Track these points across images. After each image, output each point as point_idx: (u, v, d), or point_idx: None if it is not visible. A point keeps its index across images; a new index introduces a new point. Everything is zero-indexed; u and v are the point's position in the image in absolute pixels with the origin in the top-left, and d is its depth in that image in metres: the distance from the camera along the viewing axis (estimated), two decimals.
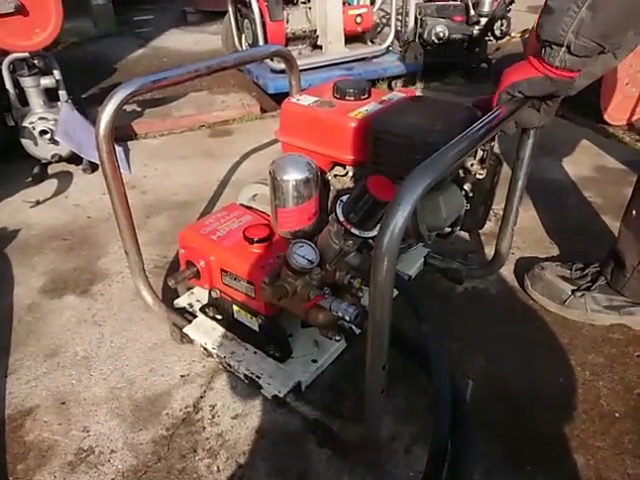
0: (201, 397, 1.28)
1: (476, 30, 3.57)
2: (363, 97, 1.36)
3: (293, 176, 1.07)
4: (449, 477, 1.00)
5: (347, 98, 1.36)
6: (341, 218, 1.02)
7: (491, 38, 3.65)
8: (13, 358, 1.40)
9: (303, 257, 1.07)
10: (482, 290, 1.61)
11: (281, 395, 1.22)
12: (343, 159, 1.33)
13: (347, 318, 1.06)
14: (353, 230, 1.02)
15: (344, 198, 1.05)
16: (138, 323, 1.51)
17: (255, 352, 1.33)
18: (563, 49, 0.98)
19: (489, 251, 1.76)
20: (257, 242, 1.26)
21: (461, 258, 1.69)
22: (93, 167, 2.34)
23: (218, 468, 1.13)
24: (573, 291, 1.48)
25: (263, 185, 1.48)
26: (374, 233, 1.04)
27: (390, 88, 3.44)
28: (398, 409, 1.24)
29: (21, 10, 1.92)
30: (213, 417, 1.23)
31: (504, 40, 3.74)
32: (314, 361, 1.31)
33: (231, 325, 1.39)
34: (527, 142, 1.29)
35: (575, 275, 1.53)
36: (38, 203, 2.11)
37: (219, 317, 1.42)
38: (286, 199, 1.09)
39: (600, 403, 1.26)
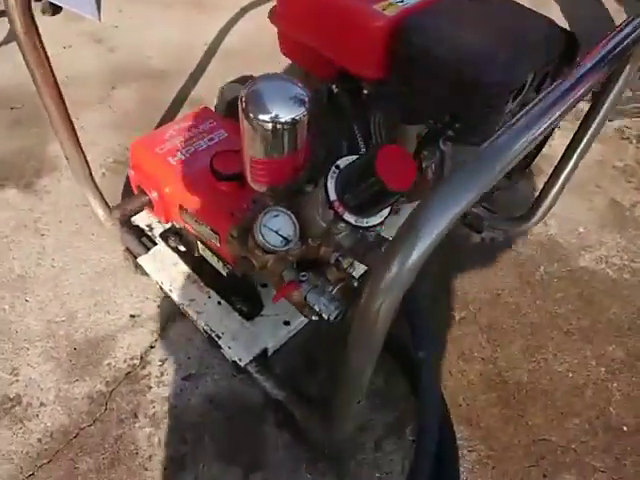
0: (151, 347, 1.10)
1: None
2: None
3: (275, 117, 0.73)
4: None
5: None
6: (332, 197, 0.72)
7: None
8: None
9: (276, 232, 0.79)
10: (501, 246, 1.35)
11: (242, 364, 1.04)
12: (355, 71, 0.97)
13: (325, 317, 0.82)
14: (346, 216, 0.72)
15: (342, 164, 0.74)
16: (87, 238, 1.27)
17: (219, 302, 1.12)
18: None
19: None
20: (227, 179, 0.97)
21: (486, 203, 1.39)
22: (54, 8, 1.89)
23: (159, 441, 0.98)
24: None
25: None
26: (377, 220, 0.75)
27: None
28: (375, 391, 1.07)
29: None
30: (162, 374, 1.07)
31: None
32: (286, 323, 1.10)
33: (195, 263, 1.16)
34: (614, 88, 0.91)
35: None
36: None
37: (182, 249, 1.18)
38: (262, 148, 0.77)
39: (608, 411, 1.09)
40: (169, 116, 1.58)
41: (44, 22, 1.89)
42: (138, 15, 1.97)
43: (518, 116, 0.57)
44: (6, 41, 1.79)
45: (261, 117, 0.73)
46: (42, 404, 1.01)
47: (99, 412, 1.01)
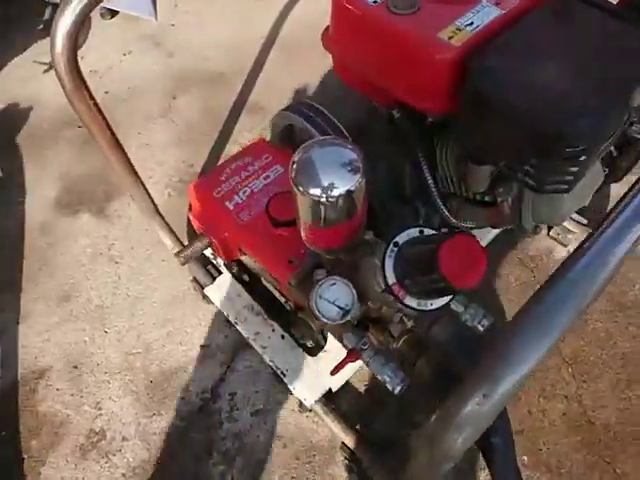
0: (221, 380, 1.13)
1: None
2: None
3: (327, 189, 0.68)
4: None
5: None
6: (391, 280, 0.66)
7: None
8: (25, 299, 1.27)
9: (333, 303, 0.75)
10: None
11: (307, 404, 1.03)
12: (416, 104, 0.87)
13: (389, 387, 0.78)
14: (407, 301, 0.66)
15: (401, 240, 0.67)
16: (157, 264, 1.30)
17: (283, 336, 1.11)
18: None
19: None
20: (283, 225, 0.93)
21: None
22: (112, 12, 1.88)
23: (232, 479, 1.02)
24: None
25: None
26: (443, 302, 0.68)
27: None
28: None
29: None
30: (232, 410, 1.09)
31: None
32: None
33: (259, 294, 1.15)
34: None
35: None
36: (52, 67, 1.76)
37: (246, 278, 1.18)
38: (316, 218, 0.72)
39: None
40: (229, 126, 1.54)
41: (103, 26, 1.90)
42: (193, 9, 1.91)
43: (605, 225, 0.48)
44: None
45: (312, 191, 0.68)
46: (124, 438, 1.08)
47: (176, 448, 1.06)
